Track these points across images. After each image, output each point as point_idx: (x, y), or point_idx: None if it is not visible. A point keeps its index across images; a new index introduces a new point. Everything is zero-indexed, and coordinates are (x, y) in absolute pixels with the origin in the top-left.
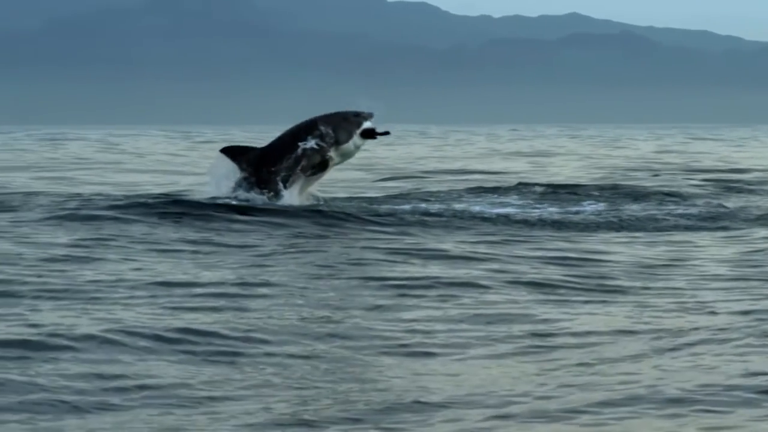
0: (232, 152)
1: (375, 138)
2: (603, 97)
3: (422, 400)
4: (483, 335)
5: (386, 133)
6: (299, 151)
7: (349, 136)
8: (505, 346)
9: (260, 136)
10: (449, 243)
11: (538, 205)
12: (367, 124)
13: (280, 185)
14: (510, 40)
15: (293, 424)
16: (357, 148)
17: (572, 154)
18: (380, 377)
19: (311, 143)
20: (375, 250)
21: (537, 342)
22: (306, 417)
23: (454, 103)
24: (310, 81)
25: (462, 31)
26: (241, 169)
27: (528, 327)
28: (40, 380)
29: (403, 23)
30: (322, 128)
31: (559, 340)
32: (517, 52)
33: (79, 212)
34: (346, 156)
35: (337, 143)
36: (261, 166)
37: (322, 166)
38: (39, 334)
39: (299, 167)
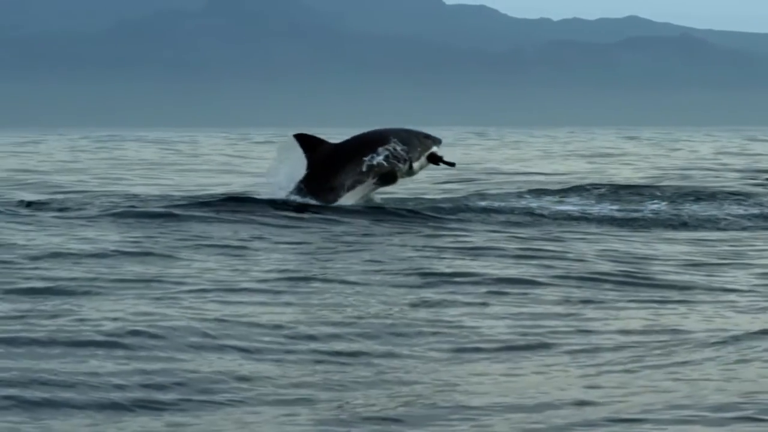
0: (305, 141)
1: (438, 164)
2: (661, 99)
3: (466, 402)
4: (533, 334)
5: (452, 164)
6: (367, 163)
7: (418, 157)
8: (553, 348)
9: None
10: (503, 240)
11: (598, 205)
12: (435, 149)
13: (340, 194)
14: (568, 43)
15: (335, 424)
16: (421, 169)
17: (631, 155)
18: (425, 377)
19: (381, 157)
20: (429, 248)
21: (586, 341)
22: (347, 417)
23: (512, 106)
24: (367, 83)
25: (520, 33)
26: (308, 161)
27: (577, 325)
28: (92, 378)
29: (461, 26)
30: (394, 143)
31: (609, 341)
32: (575, 55)
33: (134, 210)
34: (409, 174)
35: (406, 161)
36: (326, 168)
37: (388, 180)
38: (92, 331)
39: (365, 179)
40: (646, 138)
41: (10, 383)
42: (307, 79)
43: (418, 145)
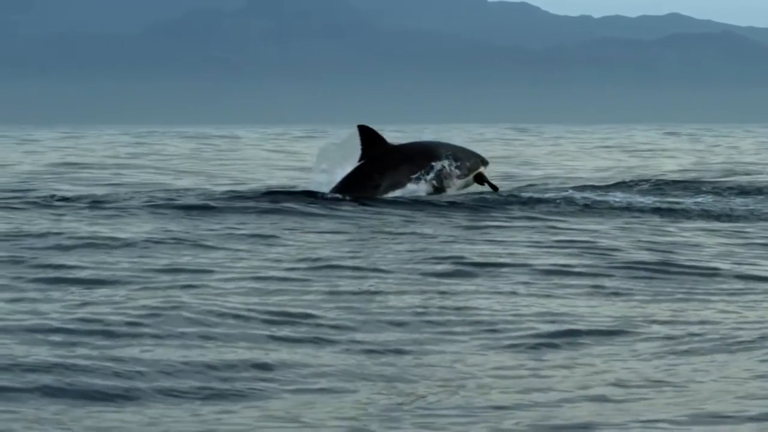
0: (366, 134)
1: (482, 185)
2: (701, 97)
3: (489, 395)
4: (561, 322)
5: (495, 188)
6: (419, 175)
7: (466, 175)
8: (582, 339)
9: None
10: (542, 231)
11: (641, 197)
12: (482, 169)
13: (383, 194)
14: (609, 41)
15: (361, 413)
16: (466, 186)
17: (672, 151)
18: (451, 367)
19: (432, 173)
20: (463, 239)
21: (615, 331)
22: (373, 408)
23: (552, 104)
24: (407, 81)
25: (561, 31)
26: (362, 154)
27: (623, 313)
28: (117, 364)
29: (502, 23)
30: (448, 161)
31: (640, 332)
32: (616, 53)
33: (172, 203)
34: (453, 189)
35: (455, 177)
36: (378, 166)
37: (432, 192)
38: (119, 318)
39: (411, 187)
40: (686, 134)
41: (34, 369)
42: (346, 76)
43: (468, 165)
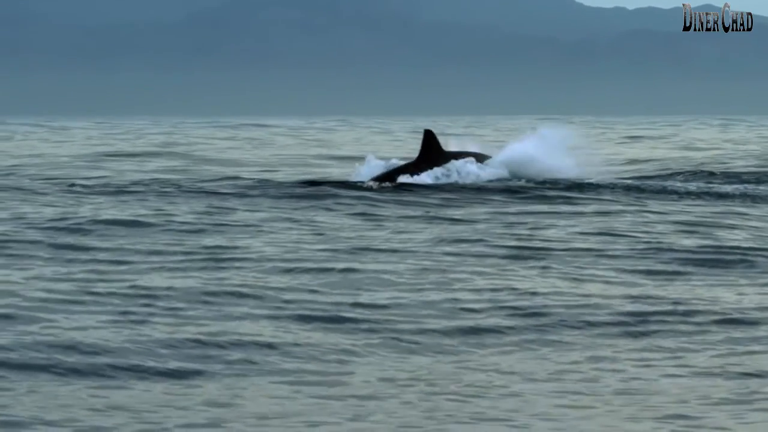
0: (429, 138)
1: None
2: (736, 89)
3: (515, 383)
4: (582, 306)
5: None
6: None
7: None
8: (605, 328)
9: (395, 127)
10: (586, 222)
11: (710, 184)
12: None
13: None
14: (643, 32)
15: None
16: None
17: (712, 140)
18: (479, 353)
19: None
20: (497, 222)
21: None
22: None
23: (585, 95)
24: (440, 72)
25: (595, 22)
26: (419, 154)
27: (676, 300)
28: (141, 345)
29: (535, 15)
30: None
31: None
32: (650, 44)
33: (214, 190)
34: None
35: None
36: (422, 165)
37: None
38: (146, 299)
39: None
40: (719, 125)
41: (54, 347)
42: (379, 68)
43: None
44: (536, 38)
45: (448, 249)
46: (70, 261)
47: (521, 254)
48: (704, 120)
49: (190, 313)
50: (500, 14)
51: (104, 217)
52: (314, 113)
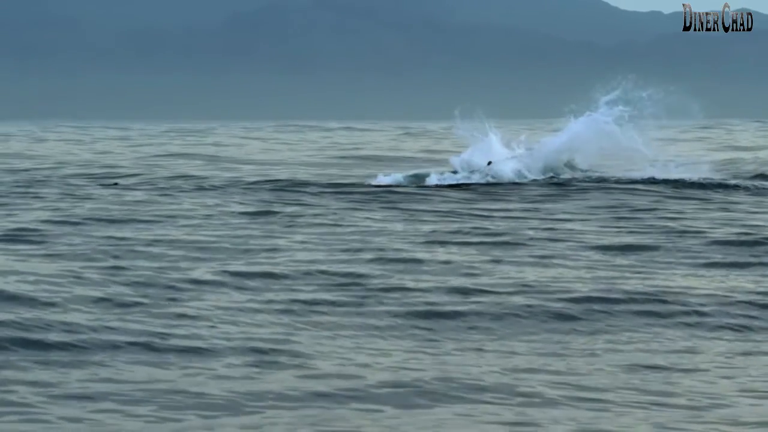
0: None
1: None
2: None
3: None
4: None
5: None
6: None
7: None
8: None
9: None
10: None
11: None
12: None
13: None
14: (679, 36)
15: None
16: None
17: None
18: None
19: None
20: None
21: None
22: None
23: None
24: (475, 75)
25: (631, 26)
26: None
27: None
28: (184, 330)
29: (570, 18)
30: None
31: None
32: (685, 48)
33: (264, 187)
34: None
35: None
36: None
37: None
38: (188, 284)
39: None
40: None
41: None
42: (415, 71)
43: None
44: (572, 42)
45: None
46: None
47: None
48: (750, 122)
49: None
50: (536, 18)
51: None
52: (347, 117)
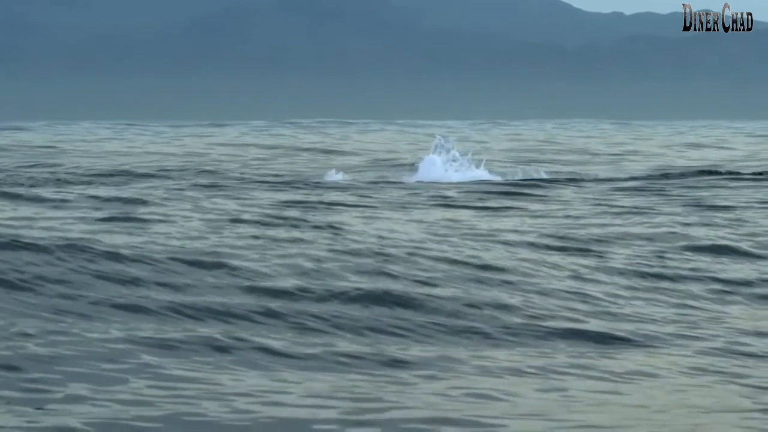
0: None
1: None
2: (734, 94)
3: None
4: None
5: None
6: None
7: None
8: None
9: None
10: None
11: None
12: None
13: None
14: (642, 37)
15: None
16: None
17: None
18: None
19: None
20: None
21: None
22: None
23: (588, 100)
24: (443, 79)
25: (594, 28)
26: None
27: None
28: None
29: (537, 22)
30: None
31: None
32: (648, 50)
33: (271, 187)
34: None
35: None
36: None
37: None
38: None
39: None
40: (729, 128)
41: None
42: (383, 74)
43: None
44: (540, 45)
45: None
46: None
47: None
48: (703, 123)
49: None
50: (503, 21)
51: None
52: (316, 117)
